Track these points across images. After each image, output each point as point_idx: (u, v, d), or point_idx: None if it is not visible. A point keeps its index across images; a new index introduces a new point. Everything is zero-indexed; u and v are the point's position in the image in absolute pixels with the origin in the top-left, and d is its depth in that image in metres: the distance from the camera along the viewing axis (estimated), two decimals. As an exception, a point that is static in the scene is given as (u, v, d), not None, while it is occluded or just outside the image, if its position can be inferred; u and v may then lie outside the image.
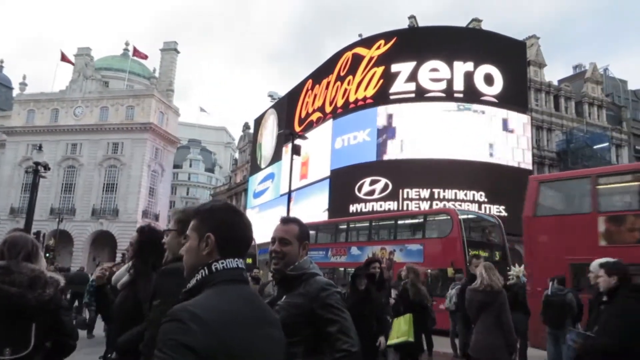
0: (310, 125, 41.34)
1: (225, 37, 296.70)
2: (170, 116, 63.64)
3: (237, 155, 73.65)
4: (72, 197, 57.25)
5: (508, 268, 14.02)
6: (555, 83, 41.51)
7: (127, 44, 69.77)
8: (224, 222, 1.63)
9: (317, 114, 41.49)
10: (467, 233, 18.16)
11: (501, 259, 18.56)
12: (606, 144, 37.51)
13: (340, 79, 39.11)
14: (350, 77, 37.98)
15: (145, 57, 63.21)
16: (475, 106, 34.07)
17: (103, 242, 55.73)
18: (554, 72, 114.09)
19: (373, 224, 23.32)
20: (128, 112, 59.16)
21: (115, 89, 63.37)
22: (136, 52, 62.89)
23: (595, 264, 5.01)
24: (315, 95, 42.59)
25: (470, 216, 20.44)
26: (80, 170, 57.82)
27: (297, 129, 40.59)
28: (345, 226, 24.78)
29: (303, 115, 44.23)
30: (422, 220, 21.04)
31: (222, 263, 1.57)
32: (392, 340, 6.76)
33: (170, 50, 66.66)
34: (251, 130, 60.86)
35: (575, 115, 40.14)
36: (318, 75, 43.07)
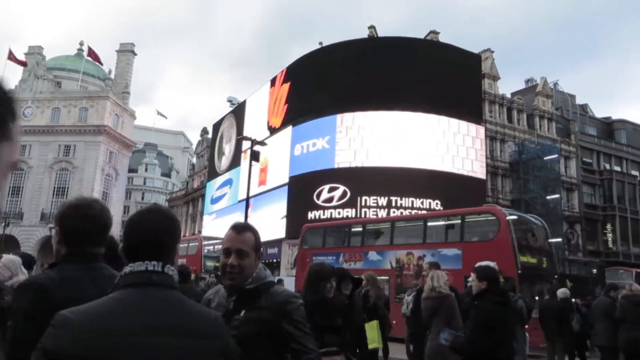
0: (271, 130, 41.19)
1: (190, 41, 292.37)
2: (126, 119, 62.16)
3: (194, 160, 72.57)
4: (20, 200, 55.03)
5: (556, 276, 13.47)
6: (509, 96, 42.89)
7: (81, 43, 67.95)
8: (128, 227, 1.61)
9: (277, 120, 41.39)
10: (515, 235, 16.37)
11: (548, 265, 17.49)
12: (555, 156, 38.95)
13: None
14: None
15: (98, 59, 61.56)
16: (431, 116, 34.78)
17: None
18: (508, 85, 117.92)
19: (396, 225, 21.05)
20: (81, 113, 57.45)
21: (68, 90, 61.43)
22: (91, 52, 61.21)
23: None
24: (275, 101, 42.48)
25: (514, 217, 17.92)
26: (29, 173, 55.64)
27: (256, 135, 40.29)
28: (360, 228, 22.39)
29: (261, 121, 44.00)
30: (459, 221, 18.68)
31: (131, 267, 1.52)
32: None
33: (126, 51, 65.22)
34: (209, 135, 60.12)
35: (527, 127, 41.53)
36: (281, 78, 43.02)
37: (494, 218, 17.17)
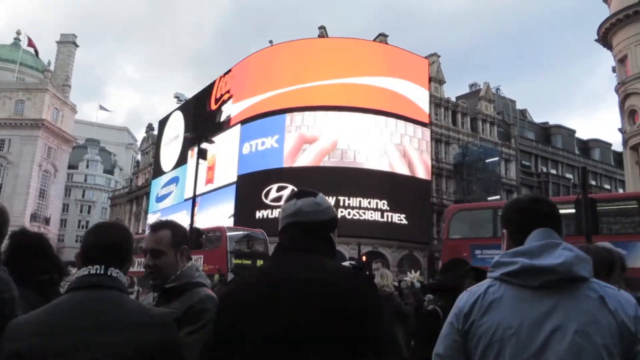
0: (218, 128, 40.63)
1: (148, 38, 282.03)
2: (66, 113, 59.69)
3: (139, 157, 70.59)
4: (-52, 197, 51.79)
5: None
6: (454, 99, 44.16)
7: (18, 32, 64.63)
8: (84, 236, 1.76)
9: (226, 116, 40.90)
10: None
11: None
12: (497, 159, 40.42)
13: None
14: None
15: (35, 48, 58.70)
16: (379, 117, 35.32)
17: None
18: (453, 90, 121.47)
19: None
20: (17, 106, 54.69)
21: (2, 81, 58.31)
22: (30, 42, 58.39)
23: None
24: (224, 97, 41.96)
25: None
26: (-42, 168, 52.51)
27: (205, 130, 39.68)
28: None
29: (210, 118, 43.37)
30: None
31: (77, 273, 1.67)
32: None
33: (67, 43, 62.58)
34: (155, 132, 58.66)
35: (470, 130, 42.90)
36: (230, 75, 42.51)
37: None
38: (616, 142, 41.99)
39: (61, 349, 1.48)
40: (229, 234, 21.45)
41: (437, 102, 41.11)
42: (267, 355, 1.50)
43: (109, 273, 1.65)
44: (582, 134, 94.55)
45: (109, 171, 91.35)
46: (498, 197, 39.03)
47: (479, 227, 16.77)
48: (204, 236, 23.33)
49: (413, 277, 13.04)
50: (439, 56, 42.85)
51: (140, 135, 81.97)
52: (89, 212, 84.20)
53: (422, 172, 36.39)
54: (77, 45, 63.78)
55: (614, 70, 27.08)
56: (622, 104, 25.59)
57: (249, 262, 19.71)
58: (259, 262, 19.16)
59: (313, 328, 1.49)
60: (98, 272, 1.64)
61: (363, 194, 33.53)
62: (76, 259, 1.81)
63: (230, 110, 40.46)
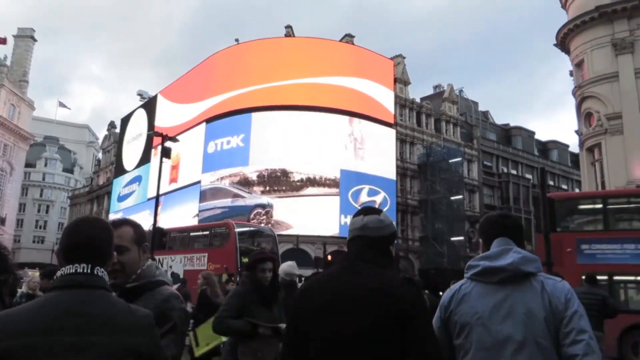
0: (184, 126, 40.06)
1: (115, 34, 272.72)
2: (24, 110, 57.73)
3: (100, 155, 68.92)
4: None
5: None
6: (418, 100, 44.77)
7: (-28, 26, 62.08)
8: (65, 232, 1.71)
9: (190, 116, 40.35)
10: None
11: None
12: (460, 159, 41.20)
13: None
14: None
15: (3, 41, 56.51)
16: (345, 117, 35.50)
17: None
18: (417, 91, 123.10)
19: None
20: (-29, 102, 52.60)
21: (-45, 76, 55.95)
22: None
23: None
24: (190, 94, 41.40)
25: None
26: None
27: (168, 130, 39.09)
28: None
29: (174, 117, 42.72)
30: None
31: (62, 271, 1.61)
32: (202, 350, 5.89)
33: (25, 37, 60.50)
34: (117, 130, 57.39)
35: (434, 131, 43.58)
36: (196, 73, 41.97)
37: None
38: (573, 144, 43.47)
39: (52, 348, 1.45)
40: (237, 230, 20.02)
41: (402, 103, 41.58)
42: (329, 352, 1.85)
43: (95, 272, 1.63)
44: (543, 135, 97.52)
45: (69, 170, 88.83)
46: (460, 196, 39.81)
47: (586, 218, 15.47)
48: (208, 232, 22.51)
49: None
50: (404, 57, 43.37)
51: (103, 133, 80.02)
52: (47, 211, 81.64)
53: (387, 171, 36.77)
54: (35, 40, 61.75)
55: (571, 74, 27.92)
56: (578, 106, 26.44)
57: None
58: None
59: (370, 330, 1.82)
60: (85, 271, 1.61)
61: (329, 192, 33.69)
62: (57, 255, 1.73)
63: (194, 109, 39.95)
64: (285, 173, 34.28)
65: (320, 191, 33.61)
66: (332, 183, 33.79)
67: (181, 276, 18.71)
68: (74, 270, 1.60)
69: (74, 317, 1.50)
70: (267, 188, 34.21)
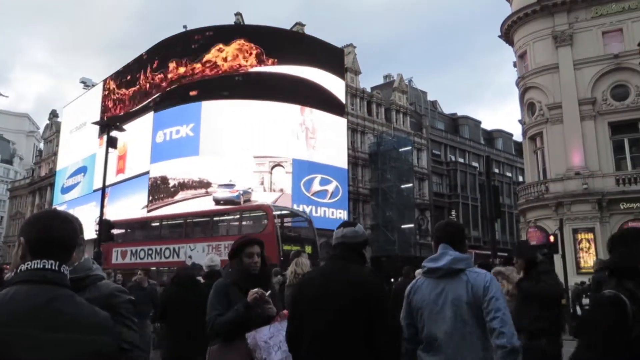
0: (130, 116, 38.94)
1: (61, 21, 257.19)
2: (-44, 97, 54.53)
3: (42, 145, 66.04)
4: None
5: None
6: (369, 90, 45.17)
7: None
8: (33, 224, 1.67)
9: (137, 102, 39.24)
10: None
11: None
12: (409, 148, 41.95)
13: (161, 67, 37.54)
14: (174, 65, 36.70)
15: None
16: (296, 107, 35.43)
17: None
18: (368, 80, 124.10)
19: None
20: None
21: None
22: None
23: None
24: (136, 82, 40.23)
25: None
26: None
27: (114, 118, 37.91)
28: None
29: (121, 104, 41.44)
30: None
31: (28, 264, 1.58)
32: None
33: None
34: (59, 119, 55.10)
35: (385, 120, 44.15)
36: (143, 61, 40.78)
37: None
38: (517, 133, 45.02)
39: (24, 341, 1.43)
40: (275, 212, 17.82)
41: (353, 92, 41.85)
42: (320, 327, 2.67)
43: (62, 270, 1.62)
44: (490, 125, 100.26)
45: (8, 161, 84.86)
46: (410, 185, 40.61)
47: None
48: (237, 217, 20.13)
49: None
50: (354, 47, 43.57)
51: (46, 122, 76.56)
52: (-16, 205, 77.77)
53: (339, 160, 37.03)
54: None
55: (515, 65, 28.89)
56: (522, 97, 27.41)
57: (297, 247, 16.29)
58: (308, 249, 16.67)
59: (347, 310, 2.64)
60: (53, 267, 1.59)
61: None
62: (21, 246, 1.66)
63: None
64: (165, 180, 34.50)
65: (189, 194, 33.47)
66: (199, 184, 33.68)
67: (205, 267, 16.86)
68: (42, 266, 1.58)
69: (46, 312, 1.50)
70: (151, 198, 34.58)
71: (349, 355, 2.61)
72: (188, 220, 22.17)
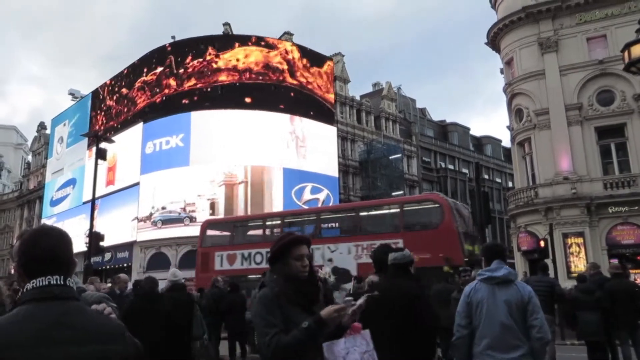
0: (121, 126, 38.79)
1: (56, 34, 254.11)
2: (-57, 111, 54.01)
3: (30, 158, 65.49)
4: None
5: None
6: (358, 98, 45.38)
7: None
8: (31, 241, 1.68)
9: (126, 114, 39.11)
10: None
11: None
12: (399, 155, 42.13)
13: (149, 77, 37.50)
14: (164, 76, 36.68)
15: None
16: (286, 116, 35.51)
17: None
18: (357, 89, 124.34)
19: None
20: None
21: None
22: None
23: None
24: (126, 93, 40.12)
25: None
26: None
27: (103, 130, 37.77)
28: None
29: (110, 115, 41.29)
30: None
31: (34, 282, 1.60)
32: None
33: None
34: (48, 131, 54.76)
35: (374, 128, 44.33)
36: (132, 73, 40.71)
37: None
38: (506, 139, 45.40)
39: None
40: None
41: (342, 100, 42.03)
42: (384, 323, 3.56)
43: (67, 283, 1.64)
44: (481, 131, 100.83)
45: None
46: (401, 192, 40.73)
47: None
48: (397, 210, 16.72)
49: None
50: (343, 55, 43.80)
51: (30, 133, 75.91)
52: (-28, 219, 76.78)
53: (330, 169, 37.10)
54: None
55: (502, 71, 29.19)
56: (509, 103, 27.67)
57: (471, 247, 14.33)
58: (477, 249, 14.74)
59: (401, 309, 3.81)
60: (58, 282, 1.62)
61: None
62: (20, 266, 1.69)
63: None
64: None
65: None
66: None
67: (354, 272, 14.18)
68: (47, 283, 1.60)
69: (56, 329, 1.52)
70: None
71: (406, 344, 3.78)
72: (323, 217, 19.14)
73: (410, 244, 11.93)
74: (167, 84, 36.28)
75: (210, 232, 20.86)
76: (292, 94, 36.10)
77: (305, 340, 2.53)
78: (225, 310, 10.45)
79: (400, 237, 14.36)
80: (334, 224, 19.03)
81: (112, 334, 1.64)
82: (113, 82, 42.71)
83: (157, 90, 36.82)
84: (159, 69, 37.04)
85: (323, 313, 2.55)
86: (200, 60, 35.75)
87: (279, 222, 20.40)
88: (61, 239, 1.72)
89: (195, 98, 35.01)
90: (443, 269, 11.79)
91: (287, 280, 2.76)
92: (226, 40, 38.07)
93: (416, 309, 3.85)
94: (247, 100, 34.68)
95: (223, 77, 35.41)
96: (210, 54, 35.81)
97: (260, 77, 35.77)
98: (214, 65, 35.52)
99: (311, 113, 36.62)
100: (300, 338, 2.51)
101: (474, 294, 3.97)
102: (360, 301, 2.80)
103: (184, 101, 35.20)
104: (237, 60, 35.61)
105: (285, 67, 36.62)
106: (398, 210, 17.02)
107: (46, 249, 1.66)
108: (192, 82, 35.46)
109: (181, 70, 35.94)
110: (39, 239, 1.69)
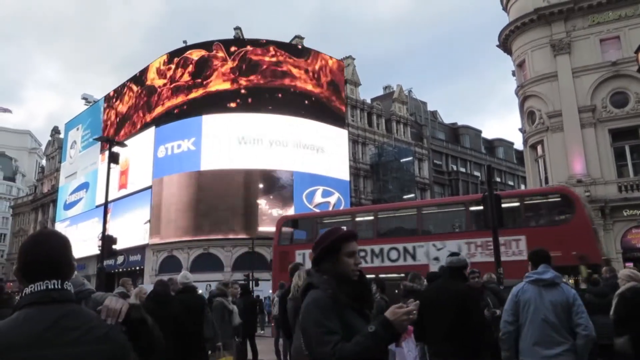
0: (132, 132, 39.09)
1: (75, 38, 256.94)
2: (-41, 116, 54.85)
3: (44, 162, 66.25)
4: None
5: None
6: (369, 101, 45.34)
7: None
8: (29, 246, 1.72)
9: (139, 119, 39.41)
10: None
11: None
12: (410, 158, 41.98)
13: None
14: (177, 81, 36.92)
15: None
16: (297, 119, 35.54)
17: None
18: (368, 92, 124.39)
19: None
20: None
21: None
22: None
23: None
24: (137, 98, 40.44)
25: None
26: None
27: (116, 134, 38.09)
28: None
29: (122, 119, 41.62)
30: None
31: (32, 287, 1.65)
32: None
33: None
34: (62, 135, 55.34)
35: (385, 131, 44.25)
36: (140, 78, 41.03)
37: None
38: (518, 142, 45.04)
39: None
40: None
41: (353, 104, 42.02)
42: (436, 323, 4.56)
43: (65, 287, 1.69)
44: (494, 134, 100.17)
45: (10, 178, 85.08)
46: (412, 195, 40.58)
47: None
48: (518, 204, 15.42)
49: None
50: (353, 59, 43.81)
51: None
52: (-13, 222, 77.83)
53: (341, 172, 37.07)
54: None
55: (514, 74, 28.99)
56: (521, 105, 27.45)
57: None
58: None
59: (455, 309, 4.46)
60: (56, 286, 1.66)
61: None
62: (21, 270, 1.72)
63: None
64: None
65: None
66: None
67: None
68: (45, 287, 1.65)
69: (54, 332, 1.57)
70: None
71: (459, 340, 4.41)
72: (425, 212, 17.37)
73: (535, 241, 12.11)
74: (179, 87, 36.44)
75: (286, 229, 19.00)
76: (305, 101, 36.15)
77: (373, 347, 2.26)
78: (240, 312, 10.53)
79: (523, 233, 13.60)
80: (437, 220, 17.47)
81: (107, 335, 1.68)
82: (124, 87, 43.01)
83: (170, 94, 37.02)
84: (170, 73, 37.25)
85: (389, 315, 2.28)
86: (211, 64, 35.87)
87: (371, 217, 18.26)
88: (59, 243, 1.75)
89: (206, 101, 35.12)
90: (579, 269, 10.92)
91: (342, 281, 2.46)
92: (238, 44, 38.22)
93: (467, 308, 4.45)
94: (258, 104, 34.76)
95: (233, 81, 35.56)
96: (220, 58, 35.97)
97: (273, 81, 35.89)
98: (225, 69, 35.65)
99: (322, 116, 36.62)
100: (367, 344, 2.24)
101: (522, 294, 4.36)
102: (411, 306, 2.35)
103: (195, 106, 35.32)
104: (248, 64, 35.72)
105: (296, 71, 36.70)
106: (518, 204, 15.67)
107: (44, 254, 1.69)
108: (204, 86, 35.60)
109: (193, 74, 36.09)
110: (37, 244, 1.73)
